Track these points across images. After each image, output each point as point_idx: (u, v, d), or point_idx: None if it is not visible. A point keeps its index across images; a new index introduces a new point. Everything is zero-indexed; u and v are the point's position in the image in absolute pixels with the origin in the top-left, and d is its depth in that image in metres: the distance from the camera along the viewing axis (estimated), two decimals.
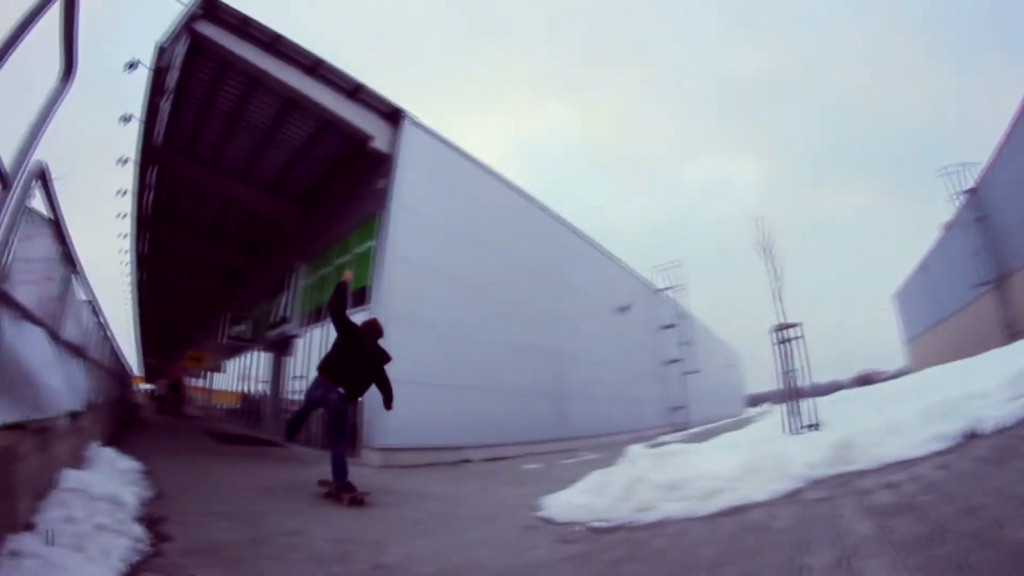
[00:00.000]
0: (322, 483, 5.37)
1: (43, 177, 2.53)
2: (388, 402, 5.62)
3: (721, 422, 22.59)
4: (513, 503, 5.38)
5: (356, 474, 6.52)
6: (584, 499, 4.59)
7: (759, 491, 4.18)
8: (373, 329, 5.65)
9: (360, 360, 5.36)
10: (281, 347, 14.50)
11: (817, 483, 4.28)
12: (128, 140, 11.87)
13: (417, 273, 9.57)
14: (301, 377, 12.41)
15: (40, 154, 2.49)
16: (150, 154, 12.74)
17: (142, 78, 9.87)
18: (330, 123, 10.70)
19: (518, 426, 11.17)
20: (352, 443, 8.92)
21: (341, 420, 5.33)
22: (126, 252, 19.51)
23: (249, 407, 18.40)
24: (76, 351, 4.20)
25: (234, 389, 20.67)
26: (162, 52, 8.65)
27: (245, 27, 9.40)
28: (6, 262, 2.27)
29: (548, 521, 4.35)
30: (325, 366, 5.32)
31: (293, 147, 12.15)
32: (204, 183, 14.33)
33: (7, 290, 2.30)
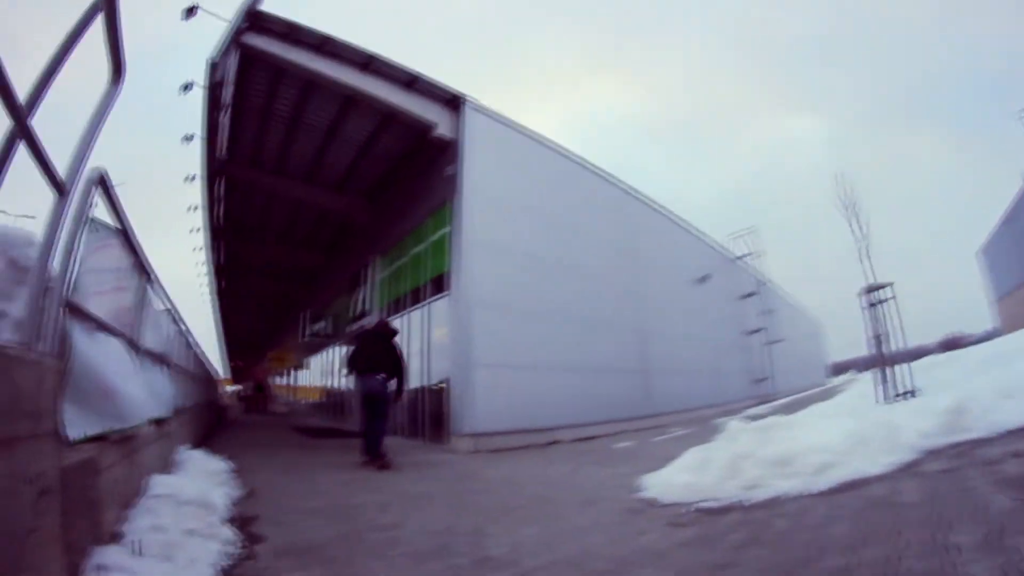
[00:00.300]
0: (363, 453, 6.40)
1: (103, 184, 2.47)
2: (398, 390, 6.57)
3: (807, 392, 21.46)
4: (611, 484, 5.16)
5: (446, 461, 7.08)
6: (686, 477, 4.33)
7: (873, 464, 3.88)
8: (383, 325, 7.05)
9: (378, 349, 6.55)
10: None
11: (933, 453, 3.95)
12: (193, 157, 12.35)
13: (494, 256, 9.45)
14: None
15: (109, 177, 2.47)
16: (216, 168, 13.20)
17: (198, 97, 10.18)
18: (390, 116, 10.68)
19: (605, 404, 10.96)
20: (439, 430, 9.03)
21: (384, 402, 6.41)
22: (203, 264, 20.58)
23: (333, 400, 19.08)
24: (158, 359, 4.28)
25: (318, 384, 21.37)
26: (214, 68, 8.84)
27: (293, 33, 9.41)
28: (73, 273, 2.23)
29: (651, 503, 4.11)
30: (353, 366, 6.57)
31: (357, 144, 12.21)
32: (272, 189, 14.74)
33: (77, 302, 2.27)
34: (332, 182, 14.07)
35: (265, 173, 13.91)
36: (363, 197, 14.52)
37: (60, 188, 2.00)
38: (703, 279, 16.46)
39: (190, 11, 8.62)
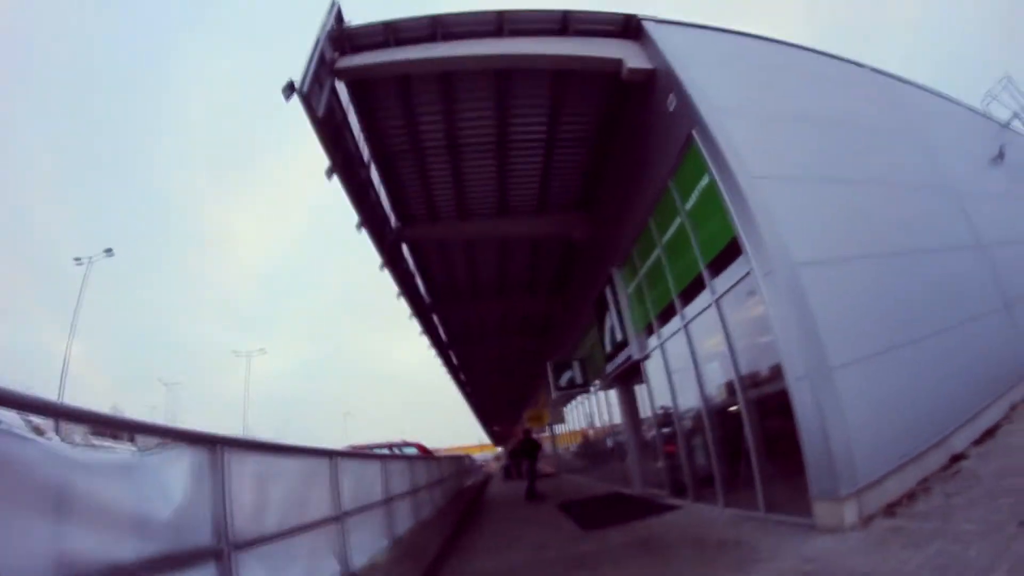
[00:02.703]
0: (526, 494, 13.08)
1: None
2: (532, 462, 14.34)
3: None
4: None
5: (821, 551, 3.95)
6: None
7: None
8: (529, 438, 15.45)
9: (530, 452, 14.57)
10: (626, 378, 11.78)
11: None
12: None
13: (788, 188, 6.03)
14: (664, 409, 9.50)
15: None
16: (390, 242, 11.81)
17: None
18: (559, 75, 8.40)
19: (975, 372, 6.34)
20: (784, 487, 5.64)
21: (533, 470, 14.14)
22: (428, 347, 20.05)
23: (596, 449, 16.99)
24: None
25: (578, 429, 19.82)
26: (315, 110, 6.69)
27: (394, 33, 7.58)
28: None
29: None
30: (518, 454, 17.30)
31: (538, 138, 9.79)
32: (464, 237, 13.02)
33: None
34: (529, 204, 11.82)
35: (447, 222, 12.17)
36: (573, 207, 11.98)
37: None
38: (999, 158, 10.45)
39: (291, 88, 6.73)
